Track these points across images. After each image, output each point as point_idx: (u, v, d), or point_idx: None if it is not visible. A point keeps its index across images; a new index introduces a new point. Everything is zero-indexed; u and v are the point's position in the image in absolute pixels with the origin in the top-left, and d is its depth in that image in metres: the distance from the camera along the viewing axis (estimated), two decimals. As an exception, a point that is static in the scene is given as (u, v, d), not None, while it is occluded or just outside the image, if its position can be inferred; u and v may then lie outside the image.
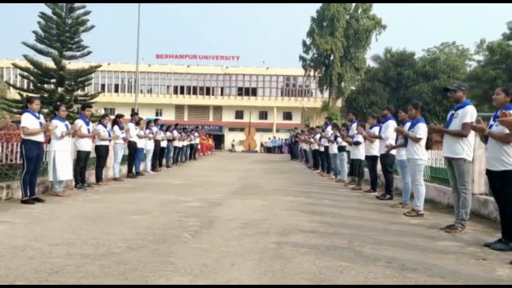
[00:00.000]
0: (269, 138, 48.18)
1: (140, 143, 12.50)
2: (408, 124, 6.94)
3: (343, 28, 41.57)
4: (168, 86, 52.96)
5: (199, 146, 24.36)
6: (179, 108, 53.03)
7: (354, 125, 10.75)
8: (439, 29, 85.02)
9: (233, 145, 47.39)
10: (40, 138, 6.88)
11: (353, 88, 45.84)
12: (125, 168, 12.01)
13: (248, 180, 11.89)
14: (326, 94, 48.24)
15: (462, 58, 51.93)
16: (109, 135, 10.10)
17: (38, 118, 6.89)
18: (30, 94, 19.52)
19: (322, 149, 14.86)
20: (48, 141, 7.82)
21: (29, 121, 6.74)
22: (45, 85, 21.36)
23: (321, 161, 15.60)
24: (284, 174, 14.92)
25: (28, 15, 69.09)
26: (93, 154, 10.03)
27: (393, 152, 8.31)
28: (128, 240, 4.45)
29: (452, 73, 41.70)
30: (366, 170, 10.88)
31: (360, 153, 10.18)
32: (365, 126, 10.85)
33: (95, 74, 51.65)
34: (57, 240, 4.38)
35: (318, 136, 15.95)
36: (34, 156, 6.79)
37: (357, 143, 10.14)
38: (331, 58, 42.96)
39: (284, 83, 53.59)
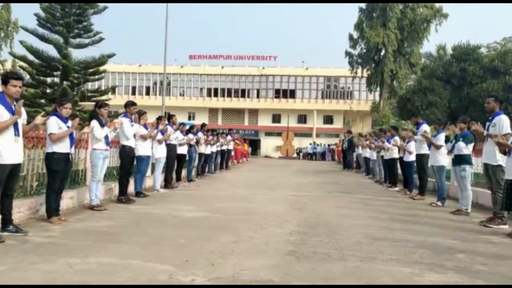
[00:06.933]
0: (310, 144, 43.43)
1: (144, 149, 8.26)
2: None
3: (397, 18, 36.29)
4: (201, 89, 49.76)
5: (232, 153, 20.05)
6: (212, 111, 49.54)
7: (505, 119, 6.00)
8: (499, 22, 76.74)
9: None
10: None
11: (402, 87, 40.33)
12: (116, 187, 7.79)
13: (310, 210, 7.34)
14: (371, 96, 43.15)
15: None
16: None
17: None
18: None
19: (410, 158, 10.12)
20: None
21: None
22: (48, 78, 17.63)
23: (404, 175, 10.86)
24: (352, 194, 10.24)
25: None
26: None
27: None
28: None
29: (525, 68, 35.65)
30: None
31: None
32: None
33: (125, 76, 49.97)
34: None
35: (397, 138, 11.28)
36: None
37: (525, 151, 5.38)
38: (382, 53, 37.77)
39: (325, 84, 49.41)
